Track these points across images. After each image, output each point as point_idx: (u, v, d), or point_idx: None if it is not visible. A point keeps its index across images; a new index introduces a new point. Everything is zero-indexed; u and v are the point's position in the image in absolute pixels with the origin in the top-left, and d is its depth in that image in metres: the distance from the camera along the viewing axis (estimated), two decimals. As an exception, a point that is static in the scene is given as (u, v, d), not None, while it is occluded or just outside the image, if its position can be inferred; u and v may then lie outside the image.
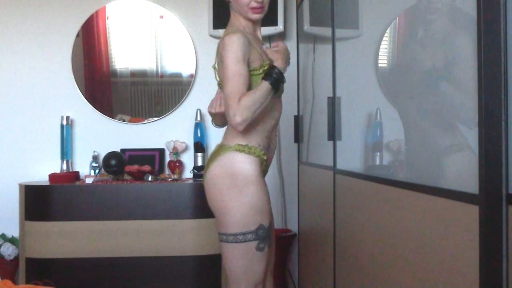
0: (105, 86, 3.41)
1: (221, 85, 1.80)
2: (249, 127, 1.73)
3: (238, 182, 1.72)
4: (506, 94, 1.02)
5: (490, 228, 1.02)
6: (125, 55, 3.37)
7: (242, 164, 1.74)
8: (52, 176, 2.98)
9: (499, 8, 1.02)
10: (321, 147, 2.53)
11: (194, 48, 3.30)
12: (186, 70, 3.33)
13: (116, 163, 3.02)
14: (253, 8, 1.77)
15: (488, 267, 1.02)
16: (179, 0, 3.36)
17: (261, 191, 1.75)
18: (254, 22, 1.84)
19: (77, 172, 3.21)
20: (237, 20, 1.83)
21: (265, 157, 1.82)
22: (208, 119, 2.97)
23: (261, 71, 1.74)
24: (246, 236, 1.71)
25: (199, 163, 3.16)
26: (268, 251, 1.78)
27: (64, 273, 2.81)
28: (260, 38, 1.90)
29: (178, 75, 3.36)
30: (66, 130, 3.22)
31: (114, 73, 3.37)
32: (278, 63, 1.76)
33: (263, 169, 1.83)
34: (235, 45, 1.68)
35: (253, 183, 1.73)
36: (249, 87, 1.71)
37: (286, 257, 3.22)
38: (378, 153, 1.89)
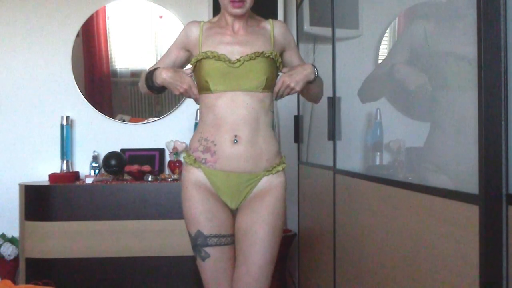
0: (105, 86, 3.41)
1: None
2: (199, 127, 1.77)
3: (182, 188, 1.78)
4: (506, 94, 1.02)
5: (490, 228, 1.02)
6: (125, 55, 3.37)
7: (183, 171, 1.80)
8: (52, 176, 2.98)
9: (499, 8, 1.02)
10: (321, 147, 2.53)
11: (194, 48, 3.30)
12: (186, 70, 3.33)
13: (116, 163, 3.02)
14: (232, 2, 1.68)
15: (488, 267, 1.02)
16: (179, 0, 3.36)
17: (187, 200, 1.73)
18: (236, 17, 1.74)
19: (77, 172, 3.21)
20: (222, 15, 1.80)
21: (200, 164, 1.71)
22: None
23: (193, 61, 1.76)
24: (190, 239, 1.74)
25: (199, 163, 3.15)
26: (211, 264, 1.70)
27: (64, 273, 2.81)
28: (241, 33, 1.76)
29: (178, 75, 3.36)
30: (66, 130, 3.22)
31: (114, 73, 3.37)
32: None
33: (213, 175, 1.70)
34: (182, 31, 1.84)
35: (183, 190, 1.76)
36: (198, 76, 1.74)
37: (286, 257, 3.21)
38: (378, 153, 1.89)
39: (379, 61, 1.93)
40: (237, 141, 1.66)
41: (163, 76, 1.73)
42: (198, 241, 1.70)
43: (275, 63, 1.74)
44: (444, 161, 1.36)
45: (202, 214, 1.70)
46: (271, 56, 1.71)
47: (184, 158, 1.78)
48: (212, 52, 1.69)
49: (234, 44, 1.72)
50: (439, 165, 1.37)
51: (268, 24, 1.80)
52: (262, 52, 1.69)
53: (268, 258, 1.67)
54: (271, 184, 1.72)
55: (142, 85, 1.86)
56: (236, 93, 1.67)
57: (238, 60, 1.68)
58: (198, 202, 1.71)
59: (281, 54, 1.81)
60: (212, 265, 1.70)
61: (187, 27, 1.83)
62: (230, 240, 1.72)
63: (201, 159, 1.71)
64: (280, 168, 1.74)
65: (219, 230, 1.70)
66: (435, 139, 1.40)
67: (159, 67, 1.78)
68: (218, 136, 1.68)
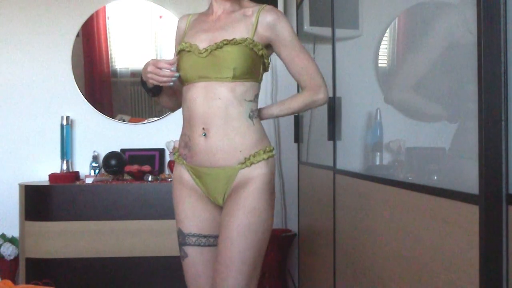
0: (105, 86, 3.41)
1: None
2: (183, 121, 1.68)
3: None
4: (506, 94, 1.02)
5: (490, 228, 1.02)
6: (125, 55, 3.37)
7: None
8: (52, 176, 2.98)
9: (499, 8, 1.02)
10: (321, 147, 2.53)
11: (194, 48, 3.30)
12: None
13: (116, 163, 3.02)
14: None
15: (488, 267, 1.02)
16: (179, 0, 3.36)
17: (173, 197, 1.70)
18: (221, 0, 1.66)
19: (77, 172, 3.21)
20: (210, 1, 1.73)
21: (183, 160, 1.67)
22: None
23: (176, 51, 1.70)
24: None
25: (199, 163, 3.15)
26: (190, 265, 1.63)
27: (64, 273, 2.81)
28: (222, 19, 1.66)
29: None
30: (66, 130, 3.22)
31: (114, 73, 3.37)
32: None
33: (194, 172, 1.64)
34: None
35: (172, 188, 1.72)
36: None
37: (286, 257, 3.21)
38: (378, 153, 1.89)
39: (379, 62, 1.93)
40: (205, 134, 1.57)
41: (142, 73, 1.67)
42: (179, 239, 1.66)
43: (252, 51, 1.58)
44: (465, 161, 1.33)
45: (183, 211, 1.65)
46: (243, 44, 1.56)
47: (175, 150, 1.75)
48: (186, 43, 1.63)
49: (211, 31, 1.63)
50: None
51: (256, 11, 1.63)
52: (232, 40, 1.56)
53: (234, 257, 1.51)
54: (247, 177, 1.57)
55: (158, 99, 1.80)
56: (205, 83, 1.57)
57: (206, 50, 1.58)
58: (180, 200, 1.66)
59: (268, 46, 1.65)
60: (190, 266, 1.63)
61: (177, 23, 1.82)
62: (212, 241, 1.63)
63: (183, 155, 1.66)
64: (256, 159, 1.58)
65: (199, 229, 1.63)
66: (462, 138, 1.36)
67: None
68: (190, 130, 1.61)
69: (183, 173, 1.67)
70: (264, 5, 1.66)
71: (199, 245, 1.62)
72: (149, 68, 1.57)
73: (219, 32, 1.61)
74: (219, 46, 1.56)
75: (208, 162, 1.59)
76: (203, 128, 1.57)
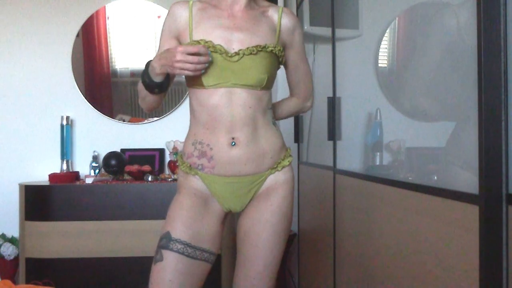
0: (105, 86, 3.41)
1: None
2: (191, 127, 1.56)
3: None
4: (506, 94, 1.02)
5: (490, 228, 1.02)
6: (125, 55, 3.37)
7: (179, 176, 1.61)
8: (52, 176, 2.98)
9: (499, 8, 1.02)
10: (321, 147, 2.53)
11: (194, 48, 3.30)
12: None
13: (116, 163, 3.02)
14: None
15: (488, 267, 1.02)
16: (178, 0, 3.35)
17: (174, 201, 1.54)
18: None
19: (77, 172, 3.21)
20: None
21: (197, 171, 1.52)
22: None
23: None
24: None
25: (199, 163, 3.15)
26: (160, 270, 1.45)
27: (64, 273, 2.81)
28: (240, 17, 1.53)
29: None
30: (66, 130, 3.22)
31: (114, 73, 3.37)
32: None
33: (212, 181, 1.52)
34: (166, 17, 1.57)
35: (176, 193, 1.57)
36: None
37: (286, 257, 3.21)
38: (378, 153, 1.89)
39: (379, 62, 1.93)
40: (235, 143, 1.48)
41: (157, 63, 1.43)
42: (161, 242, 1.48)
43: (278, 59, 1.53)
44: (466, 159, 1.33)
45: (180, 217, 1.49)
46: (274, 51, 1.49)
47: (178, 164, 1.60)
48: (206, 42, 1.45)
49: (233, 29, 1.48)
50: (466, 161, 1.34)
51: (276, 12, 1.57)
52: (264, 46, 1.47)
53: (269, 262, 1.54)
54: (277, 182, 1.59)
55: (142, 97, 1.58)
56: (231, 89, 1.46)
57: (237, 54, 1.45)
58: (184, 206, 1.51)
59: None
60: (160, 271, 1.45)
61: (172, 10, 1.55)
62: (200, 255, 1.49)
63: (197, 165, 1.52)
64: (286, 162, 1.61)
65: (191, 240, 1.47)
66: (460, 136, 1.36)
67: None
68: (214, 138, 1.48)
69: (196, 184, 1.54)
70: (281, 6, 1.62)
71: (183, 253, 1.46)
72: (179, 56, 1.37)
73: (245, 34, 1.48)
74: (252, 52, 1.46)
75: (236, 171, 1.51)
76: (233, 138, 1.48)
